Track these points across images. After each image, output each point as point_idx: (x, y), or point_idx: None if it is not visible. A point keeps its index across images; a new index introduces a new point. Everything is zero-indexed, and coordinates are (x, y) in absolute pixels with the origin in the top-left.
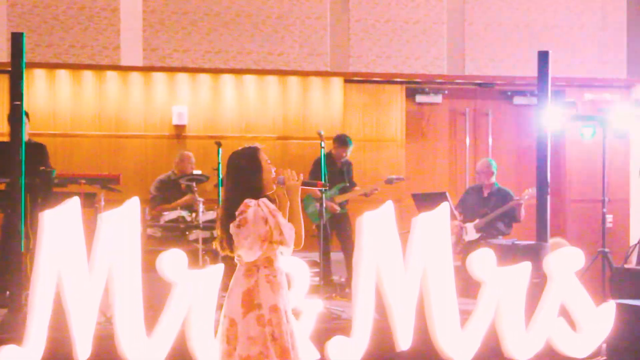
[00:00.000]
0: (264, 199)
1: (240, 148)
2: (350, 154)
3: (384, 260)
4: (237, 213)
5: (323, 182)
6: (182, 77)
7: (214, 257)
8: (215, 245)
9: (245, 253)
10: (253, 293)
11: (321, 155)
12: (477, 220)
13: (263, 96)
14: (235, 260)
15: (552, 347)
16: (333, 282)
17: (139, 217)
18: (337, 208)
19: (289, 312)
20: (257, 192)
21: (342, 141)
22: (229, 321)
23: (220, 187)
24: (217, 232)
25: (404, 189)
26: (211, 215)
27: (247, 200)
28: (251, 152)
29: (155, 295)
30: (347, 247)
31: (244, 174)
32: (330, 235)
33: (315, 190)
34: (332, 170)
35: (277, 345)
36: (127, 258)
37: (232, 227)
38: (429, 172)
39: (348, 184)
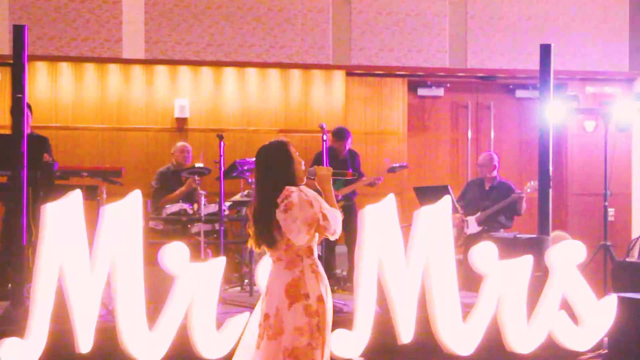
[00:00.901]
0: (304, 186)
1: (268, 143)
2: (350, 144)
3: (386, 254)
4: (279, 200)
5: (352, 171)
6: (184, 70)
7: (216, 250)
8: (250, 243)
9: (296, 236)
10: (299, 283)
11: (323, 149)
12: (478, 214)
13: (265, 89)
14: (269, 256)
15: (554, 340)
16: (335, 275)
17: (140, 210)
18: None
19: (329, 304)
20: (290, 184)
21: (339, 135)
22: (274, 314)
23: (222, 180)
24: (250, 230)
25: (405, 181)
26: (213, 208)
27: (288, 187)
28: (281, 146)
29: (157, 289)
30: (351, 240)
31: (277, 167)
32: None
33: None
34: (335, 163)
35: (321, 336)
36: (129, 251)
37: (279, 213)
38: (431, 166)
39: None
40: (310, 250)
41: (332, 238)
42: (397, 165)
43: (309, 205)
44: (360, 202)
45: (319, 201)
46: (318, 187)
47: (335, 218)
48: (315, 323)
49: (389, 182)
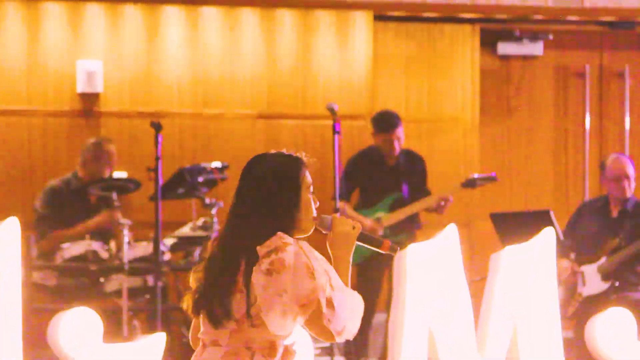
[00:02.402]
0: (304, 242)
1: (275, 152)
2: (403, 139)
3: (441, 325)
4: (263, 251)
5: (392, 243)
6: (94, 9)
7: (149, 321)
8: (187, 303)
9: (274, 319)
10: None
11: (335, 148)
12: (602, 260)
13: (233, 44)
14: (199, 334)
15: None
16: None
17: (18, 252)
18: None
19: None
20: (286, 230)
21: (384, 123)
22: None
23: (160, 201)
24: (194, 282)
25: (476, 203)
26: (143, 248)
27: (281, 234)
28: (293, 165)
29: None
30: None
31: (275, 197)
32: (375, 283)
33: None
34: (379, 173)
35: None
36: (1, 324)
37: (258, 274)
38: (519, 176)
39: (407, 195)
40: (273, 345)
41: (338, 340)
42: (479, 177)
43: (308, 275)
44: None
45: (328, 273)
46: (328, 249)
47: (351, 308)
48: None
49: (461, 200)
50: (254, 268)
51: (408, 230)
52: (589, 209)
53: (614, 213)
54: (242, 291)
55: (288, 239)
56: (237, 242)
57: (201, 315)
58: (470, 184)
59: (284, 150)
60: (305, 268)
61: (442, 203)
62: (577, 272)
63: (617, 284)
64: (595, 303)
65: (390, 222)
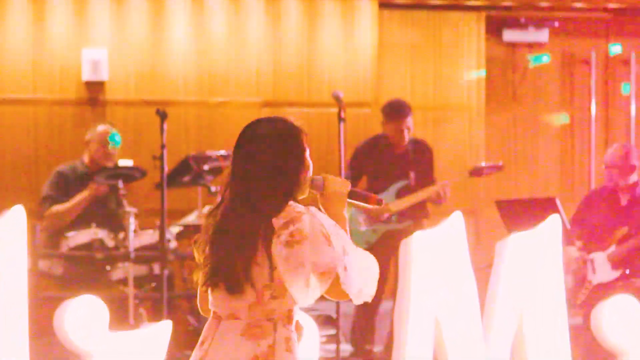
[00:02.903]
0: (312, 207)
1: (270, 117)
2: (412, 128)
3: (448, 312)
4: (279, 223)
5: (378, 197)
6: None
7: (156, 308)
8: (196, 276)
9: (298, 291)
10: None
11: (340, 136)
12: (612, 248)
13: (239, 32)
14: (213, 305)
15: None
16: (368, 353)
17: (24, 240)
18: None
19: None
20: (293, 192)
21: (395, 111)
22: None
23: (165, 189)
24: (198, 253)
25: (482, 191)
26: (149, 237)
27: (293, 204)
28: (295, 128)
29: None
30: None
31: (285, 160)
32: (381, 271)
33: (365, 207)
34: (386, 160)
35: None
36: (7, 313)
37: (279, 246)
38: (525, 163)
39: (411, 182)
40: (290, 315)
41: (356, 302)
42: (486, 165)
43: (326, 243)
44: None
45: (342, 237)
46: (321, 209)
47: (366, 269)
48: None
49: (454, 192)
50: (273, 240)
51: (416, 218)
52: (597, 198)
53: (622, 201)
54: (261, 263)
55: (300, 208)
56: (250, 210)
57: (213, 288)
58: (477, 172)
59: (288, 120)
60: (323, 236)
61: (442, 193)
62: (587, 260)
63: (627, 271)
64: (604, 291)
65: (398, 208)
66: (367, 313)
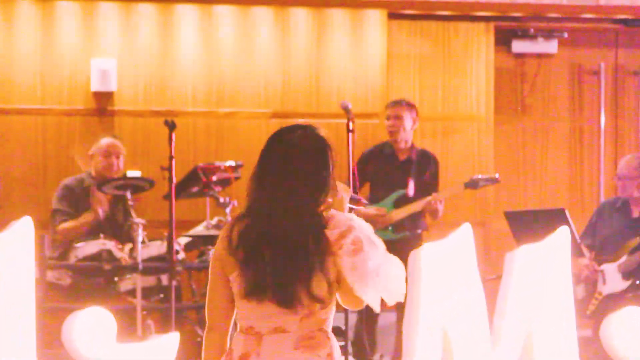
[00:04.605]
0: (350, 214)
1: (300, 125)
2: (408, 126)
3: (456, 323)
4: (335, 233)
5: (363, 200)
6: (108, 7)
7: (164, 320)
8: (238, 286)
9: (370, 298)
10: None
11: (349, 145)
12: (623, 258)
13: (247, 42)
14: (255, 323)
15: None
16: None
17: (32, 251)
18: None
19: None
20: (325, 202)
21: (390, 101)
22: None
23: (173, 200)
24: (231, 268)
25: (492, 202)
26: (158, 248)
27: (333, 212)
28: (325, 137)
29: None
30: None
31: (325, 170)
32: None
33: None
34: (388, 168)
35: None
36: (15, 324)
37: (345, 258)
38: (534, 175)
39: (408, 191)
40: (329, 322)
41: (377, 310)
42: (482, 177)
43: (376, 246)
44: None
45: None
46: None
47: (397, 275)
48: None
49: (462, 204)
50: (334, 252)
51: (412, 229)
52: (609, 209)
53: (634, 214)
54: (318, 276)
55: (343, 215)
56: (296, 222)
57: (257, 303)
58: (473, 184)
59: (315, 127)
60: (370, 240)
61: (437, 203)
62: (598, 270)
63: (637, 282)
64: (615, 302)
65: (398, 217)
66: (368, 324)
